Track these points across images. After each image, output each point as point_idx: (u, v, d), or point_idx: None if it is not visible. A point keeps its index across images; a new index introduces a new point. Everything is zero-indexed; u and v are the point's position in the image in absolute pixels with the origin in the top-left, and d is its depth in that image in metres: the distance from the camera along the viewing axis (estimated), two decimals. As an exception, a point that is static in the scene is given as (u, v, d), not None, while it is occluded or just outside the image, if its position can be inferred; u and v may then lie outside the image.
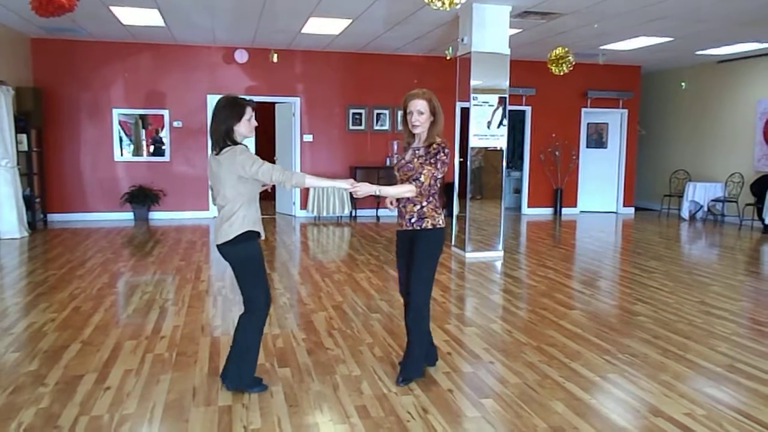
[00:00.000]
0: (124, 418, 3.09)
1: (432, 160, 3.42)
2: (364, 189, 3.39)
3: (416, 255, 3.50)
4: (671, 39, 9.32)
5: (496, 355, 4.10)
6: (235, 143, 3.28)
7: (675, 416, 3.17)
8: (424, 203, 3.49)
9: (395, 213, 3.66)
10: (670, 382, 3.63)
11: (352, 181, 3.42)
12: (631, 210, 12.80)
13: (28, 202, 9.09)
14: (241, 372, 3.40)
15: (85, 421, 3.03)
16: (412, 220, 3.51)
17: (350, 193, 3.41)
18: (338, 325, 4.72)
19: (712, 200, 11.36)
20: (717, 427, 3.06)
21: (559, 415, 3.18)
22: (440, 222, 3.53)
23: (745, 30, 8.59)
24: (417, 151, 3.49)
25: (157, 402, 3.28)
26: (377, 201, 11.11)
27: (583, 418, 3.15)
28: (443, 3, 4.76)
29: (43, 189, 9.85)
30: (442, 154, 3.42)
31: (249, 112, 3.30)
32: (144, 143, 10.56)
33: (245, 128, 3.30)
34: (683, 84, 12.22)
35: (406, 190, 3.43)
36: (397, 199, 3.60)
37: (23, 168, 9.08)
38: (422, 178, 3.41)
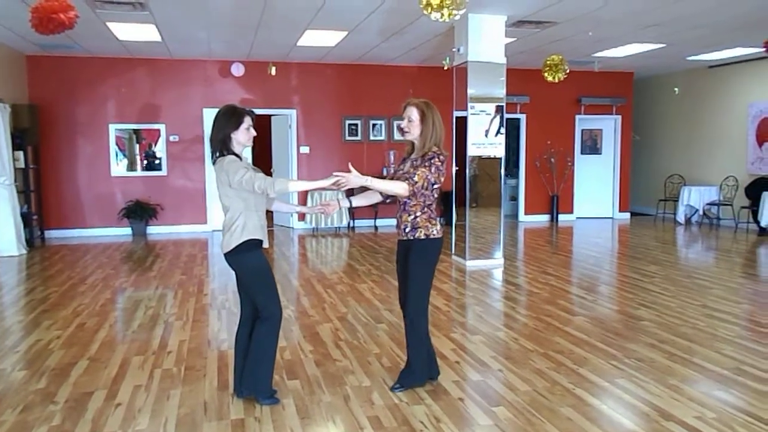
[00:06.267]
0: (137, 434, 3.08)
1: (427, 164, 3.40)
2: (352, 180, 3.26)
3: (409, 265, 3.51)
4: (663, 45, 9.42)
5: (503, 362, 4.12)
6: (231, 153, 3.30)
7: (686, 420, 3.19)
8: (419, 213, 3.48)
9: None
10: (679, 386, 3.66)
11: (335, 174, 3.27)
12: (627, 215, 12.88)
13: (26, 219, 9.06)
14: (258, 379, 3.39)
15: (98, 438, 3.03)
16: (407, 230, 3.51)
17: (345, 196, 3.33)
18: (344, 336, 4.72)
19: (708, 204, 11.43)
20: (728, 429, 3.08)
21: (571, 422, 3.19)
22: (434, 232, 3.49)
23: (735, 35, 8.69)
24: (414, 162, 3.50)
25: (169, 417, 3.27)
26: (375, 211, 11.15)
27: (596, 424, 3.16)
28: (443, 14, 4.81)
29: (40, 206, 9.82)
30: (437, 160, 3.41)
31: (248, 121, 3.33)
32: (138, 158, 10.56)
33: (243, 137, 3.32)
34: (676, 89, 12.34)
35: (399, 186, 3.35)
36: (396, 210, 3.60)
37: (20, 185, 9.05)
38: (416, 178, 3.36)
